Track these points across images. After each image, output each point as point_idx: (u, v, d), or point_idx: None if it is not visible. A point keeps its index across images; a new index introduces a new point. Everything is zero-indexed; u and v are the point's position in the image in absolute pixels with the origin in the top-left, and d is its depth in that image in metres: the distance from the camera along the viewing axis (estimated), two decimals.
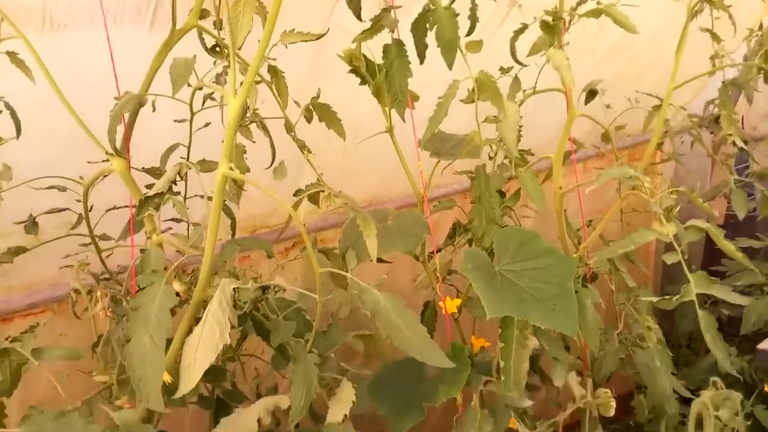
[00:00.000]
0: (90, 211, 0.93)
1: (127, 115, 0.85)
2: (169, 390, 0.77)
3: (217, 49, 0.90)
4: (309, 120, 1.01)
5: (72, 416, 0.66)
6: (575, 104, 1.02)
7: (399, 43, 0.82)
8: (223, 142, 0.72)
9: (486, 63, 0.92)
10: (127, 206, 0.95)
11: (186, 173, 0.91)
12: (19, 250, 0.89)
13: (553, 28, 0.88)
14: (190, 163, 0.82)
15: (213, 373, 1.02)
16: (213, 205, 0.73)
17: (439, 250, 1.14)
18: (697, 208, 0.97)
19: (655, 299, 0.95)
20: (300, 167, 1.09)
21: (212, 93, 0.91)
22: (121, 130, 0.87)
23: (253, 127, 0.96)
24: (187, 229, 0.91)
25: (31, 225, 0.91)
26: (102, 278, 0.95)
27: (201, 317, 0.72)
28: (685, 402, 1.17)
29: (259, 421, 0.79)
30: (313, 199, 1.06)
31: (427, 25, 0.80)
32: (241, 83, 0.71)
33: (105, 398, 0.80)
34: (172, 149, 0.92)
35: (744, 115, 1.76)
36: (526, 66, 1.02)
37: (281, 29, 0.86)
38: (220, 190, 0.73)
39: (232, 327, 0.81)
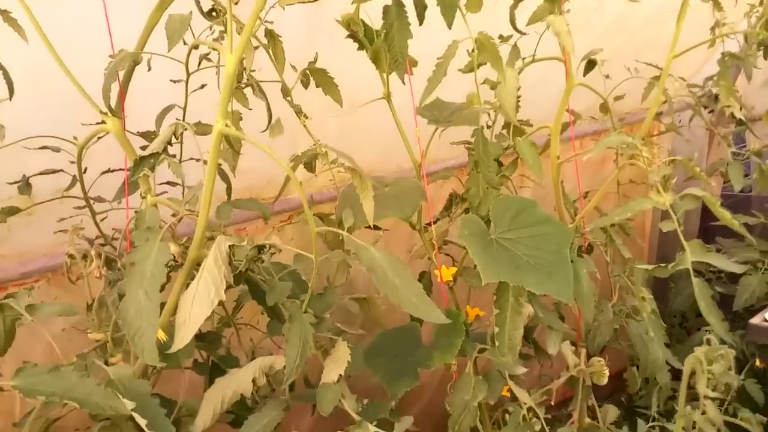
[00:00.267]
0: (84, 173, 0.92)
1: (122, 75, 0.84)
2: (164, 352, 0.77)
3: (213, 13, 0.89)
4: (306, 85, 1.00)
5: (66, 370, 0.66)
6: (574, 74, 1.01)
7: (399, 4, 0.81)
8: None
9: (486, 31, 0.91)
10: (122, 169, 0.94)
11: (181, 135, 0.90)
12: (13, 210, 0.88)
13: None
14: (186, 123, 0.81)
15: (208, 339, 1.02)
16: (208, 163, 0.72)
17: (435, 222, 1.14)
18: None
19: (650, 267, 0.95)
20: (296, 140, 1.08)
21: (208, 54, 0.90)
22: (116, 90, 0.86)
23: (249, 94, 0.95)
24: (183, 194, 0.90)
25: (25, 186, 0.90)
26: (96, 242, 0.94)
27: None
28: (676, 378, 1.18)
29: (253, 380, 0.79)
30: (309, 166, 1.06)
31: None
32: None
33: (100, 356, 0.80)
34: (167, 110, 0.91)
35: (741, 95, 1.76)
36: (525, 34, 1.01)
37: None
38: (216, 147, 0.72)
39: (229, 287, 0.81)
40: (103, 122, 0.85)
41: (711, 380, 0.59)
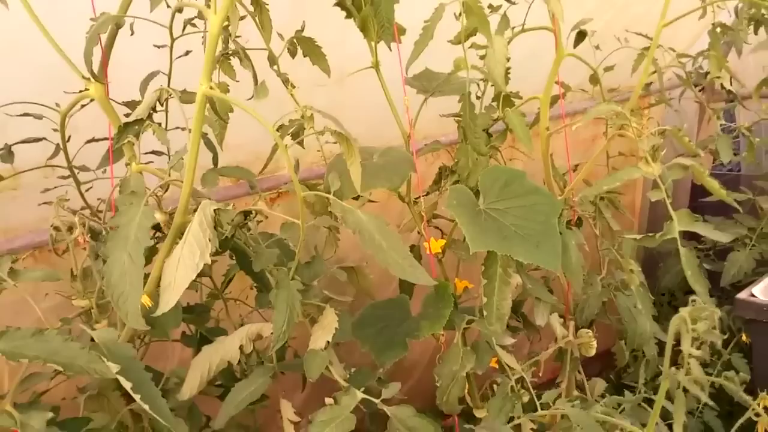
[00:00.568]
0: (68, 141, 0.91)
1: (104, 39, 0.83)
2: (151, 322, 0.77)
3: None
4: (293, 54, 0.99)
5: (50, 334, 0.66)
6: (564, 45, 1.01)
7: None
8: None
9: None
10: (106, 138, 0.93)
11: (166, 103, 0.89)
12: None
13: None
14: (171, 89, 0.80)
15: (197, 311, 1.02)
16: (193, 126, 0.71)
17: (426, 195, 1.14)
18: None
19: (638, 236, 0.95)
20: (282, 113, 1.07)
21: (192, 19, 0.88)
22: (99, 56, 0.84)
23: (236, 66, 0.94)
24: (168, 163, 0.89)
25: (7, 154, 0.89)
26: (81, 212, 0.93)
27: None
28: (663, 355, 1.19)
29: (241, 348, 0.79)
30: (297, 137, 1.05)
31: None
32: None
33: (85, 323, 0.80)
34: (151, 76, 0.89)
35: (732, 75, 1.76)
36: (515, 3, 1.00)
37: None
38: (201, 111, 0.71)
39: (216, 254, 0.80)
40: (86, 89, 0.84)
41: (696, 341, 0.59)
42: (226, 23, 0.72)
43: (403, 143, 1.07)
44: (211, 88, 0.70)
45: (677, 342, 0.67)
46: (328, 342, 0.78)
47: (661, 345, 1.21)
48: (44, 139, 0.91)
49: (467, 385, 1.02)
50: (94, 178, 0.96)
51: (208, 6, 0.86)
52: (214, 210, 0.69)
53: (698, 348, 0.59)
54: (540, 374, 1.08)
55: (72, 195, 0.99)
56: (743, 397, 0.70)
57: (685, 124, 1.64)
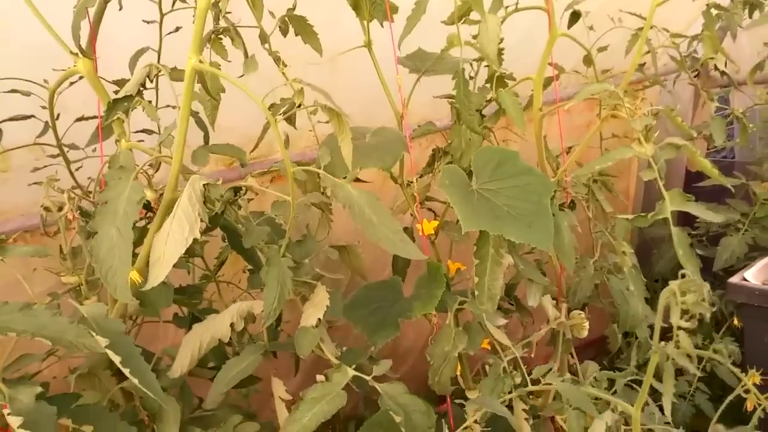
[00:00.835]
0: (57, 119, 0.90)
1: (92, 14, 0.82)
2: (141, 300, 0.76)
3: None
4: (284, 33, 0.98)
5: (38, 308, 0.65)
6: (557, 25, 1.00)
7: None
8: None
9: None
10: (96, 117, 0.92)
11: (157, 80, 0.88)
12: None
13: None
14: (161, 65, 0.79)
15: (189, 292, 1.02)
16: (182, 101, 0.70)
17: (420, 177, 1.13)
18: None
19: (631, 216, 0.95)
20: (273, 97, 1.07)
21: None
22: (87, 32, 0.83)
23: (227, 45, 0.93)
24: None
25: None
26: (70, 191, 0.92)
27: None
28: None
29: (232, 326, 0.79)
30: (290, 121, 1.04)
31: None
32: None
33: (74, 299, 0.79)
34: (141, 52, 0.89)
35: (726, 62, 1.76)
36: None
37: None
38: (190, 85, 0.70)
39: (207, 230, 0.80)
40: (74, 66, 0.83)
41: (685, 313, 0.59)
42: None
43: (396, 125, 1.07)
44: (200, 62, 0.69)
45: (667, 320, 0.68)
46: (319, 319, 0.78)
47: (653, 328, 1.22)
48: (33, 116, 0.90)
49: (459, 366, 1.02)
50: (84, 156, 0.95)
51: None
52: (204, 185, 0.69)
53: (687, 321, 0.59)
54: (532, 355, 1.08)
55: (62, 175, 0.98)
56: (732, 369, 0.70)
57: (679, 105, 1.63)
